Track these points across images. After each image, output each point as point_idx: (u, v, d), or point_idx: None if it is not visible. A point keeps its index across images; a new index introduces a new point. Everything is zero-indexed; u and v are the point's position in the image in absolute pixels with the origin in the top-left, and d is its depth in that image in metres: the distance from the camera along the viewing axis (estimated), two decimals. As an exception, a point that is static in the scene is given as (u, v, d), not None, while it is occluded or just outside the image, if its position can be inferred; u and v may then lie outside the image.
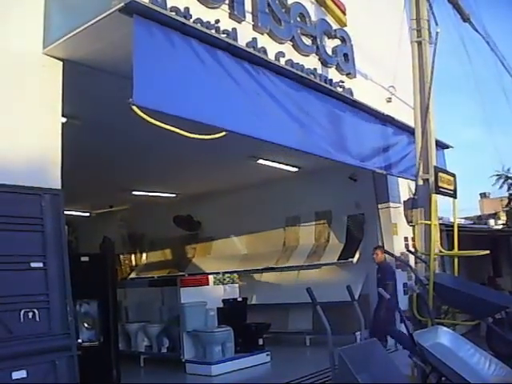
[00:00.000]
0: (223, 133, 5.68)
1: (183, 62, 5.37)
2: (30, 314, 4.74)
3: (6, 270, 4.63)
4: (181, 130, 5.23)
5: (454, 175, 7.63)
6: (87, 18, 5.01)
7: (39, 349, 4.72)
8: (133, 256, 17.32)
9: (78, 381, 4.93)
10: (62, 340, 4.92)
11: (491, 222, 19.28)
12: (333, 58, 8.85)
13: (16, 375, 4.48)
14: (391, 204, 11.01)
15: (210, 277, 10.22)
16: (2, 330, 4.51)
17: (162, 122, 5.05)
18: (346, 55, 9.14)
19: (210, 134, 5.62)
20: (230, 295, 10.16)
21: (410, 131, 8.58)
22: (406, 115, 9.14)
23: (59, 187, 5.28)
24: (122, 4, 4.71)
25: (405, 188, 11.22)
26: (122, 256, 17.23)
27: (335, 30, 9.07)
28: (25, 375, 4.53)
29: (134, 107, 4.67)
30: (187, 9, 5.97)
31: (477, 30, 9.13)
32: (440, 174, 7.34)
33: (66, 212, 5.33)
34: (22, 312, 4.68)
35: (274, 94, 6.51)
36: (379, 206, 11.16)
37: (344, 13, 9.43)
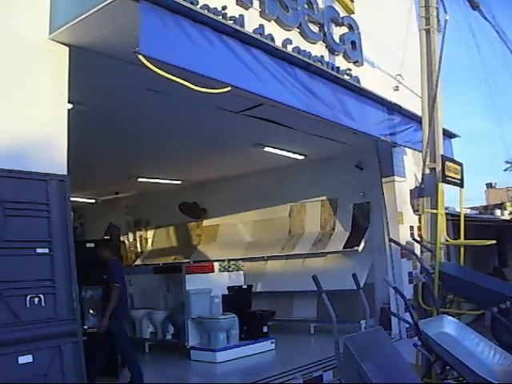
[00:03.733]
0: (228, 88, 5.67)
1: (191, 42, 5.38)
2: (36, 300, 4.75)
3: (12, 256, 4.65)
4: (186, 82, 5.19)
5: (461, 164, 7.57)
6: (94, 3, 4.97)
7: (45, 334, 4.75)
8: (138, 243, 17.38)
9: (83, 366, 4.97)
10: (68, 325, 4.94)
11: (497, 212, 19.18)
12: (340, 46, 8.77)
13: (22, 360, 4.51)
14: (396, 178, 10.84)
15: (215, 264, 10.24)
16: (8, 315, 4.54)
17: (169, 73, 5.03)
18: (353, 43, 9.06)
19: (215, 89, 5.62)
20: (235, 282, 10.20)
21: (417, 120, 8.54)
22: (413, 104, 9.10)
23: (65, 173, 5.27)
24: (129, -11, 4.69)
25: (410, 164, 11.19)
26: (127, 242, 17.30)
27: (343, 18, 8.97)
28: (31, 360, 4.56)
29: (141, 56, 4.66)
30: (194, -6, 5.93)
31: (486, 19, 9.04)
32: (447, 163, 7.29)
33: (71, 198, 5.33)
34: (28, 297, 4.70)
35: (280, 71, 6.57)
36: (383, 179, 10.96)
37: (352, 0, 9.36)
